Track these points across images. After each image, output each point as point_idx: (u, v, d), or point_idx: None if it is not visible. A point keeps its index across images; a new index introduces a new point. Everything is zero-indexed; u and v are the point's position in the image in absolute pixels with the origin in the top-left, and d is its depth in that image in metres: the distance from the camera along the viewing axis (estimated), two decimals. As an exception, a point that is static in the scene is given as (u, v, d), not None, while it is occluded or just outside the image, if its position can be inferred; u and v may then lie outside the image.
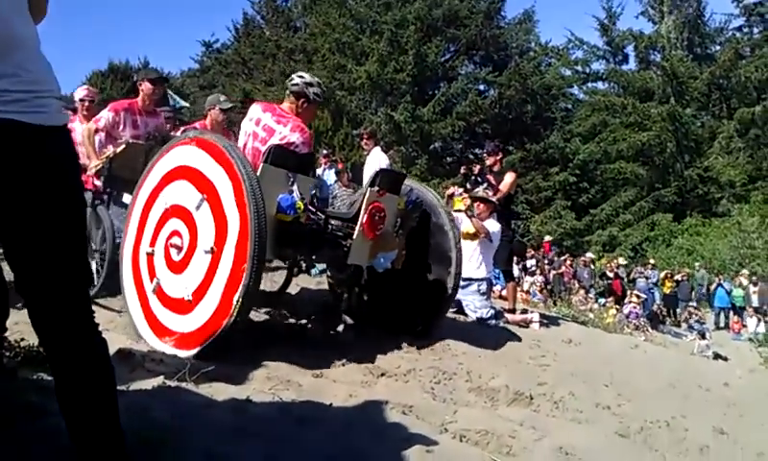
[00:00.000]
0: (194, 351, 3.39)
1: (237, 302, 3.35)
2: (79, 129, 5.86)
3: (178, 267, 3.78)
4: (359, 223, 4.03)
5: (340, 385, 3.19)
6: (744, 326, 16.68)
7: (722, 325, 17.52)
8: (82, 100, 6.10)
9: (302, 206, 3.77)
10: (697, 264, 20.58)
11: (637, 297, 13.89)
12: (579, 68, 30.05)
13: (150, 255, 3.96)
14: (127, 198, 4.72)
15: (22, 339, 2.60)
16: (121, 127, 5.44)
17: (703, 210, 25.57)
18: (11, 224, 1.50)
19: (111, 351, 1.82)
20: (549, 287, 13.72)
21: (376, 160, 7.05)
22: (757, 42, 28.21)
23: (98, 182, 5.40)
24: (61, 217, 1.56)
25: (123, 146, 4.92)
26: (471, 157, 23.62)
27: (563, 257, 16.38)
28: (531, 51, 28.18)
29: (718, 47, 29.17)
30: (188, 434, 2.02)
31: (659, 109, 26.51)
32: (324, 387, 3.09)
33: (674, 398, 4.33)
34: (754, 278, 18.13)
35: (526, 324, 6.01)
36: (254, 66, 28.51)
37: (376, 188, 4.13)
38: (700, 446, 3.35)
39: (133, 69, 31.76)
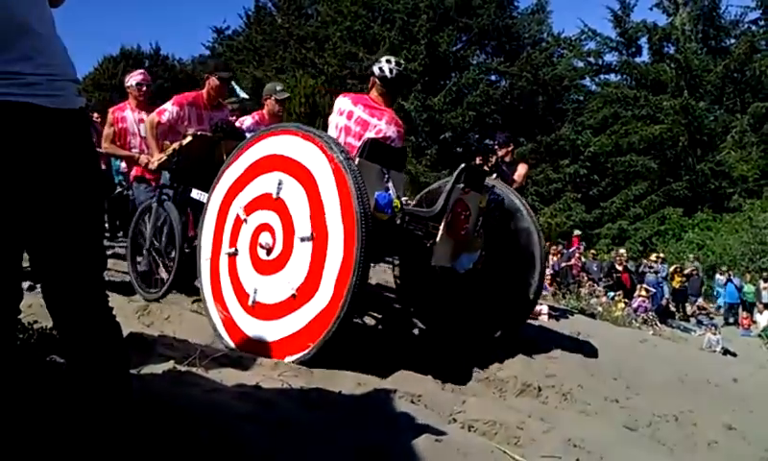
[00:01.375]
0: (310, 349, 3.14)
1: (345, 297, 3.08)
2: (130, 117, 5.69)
3: (272, 266, 3.45)
4: (443, 221, 3.75)
5: (350, 373, 3.20)
6: (754, 322, 16.59)
7: (731, 320, 17.43)
8: (139, 85, 5.78)
9: (399, 205, 3.56)
10: (692, 256, 20.47)
11: (646, 291, 13.84)
12: (591, 60, 29.81)
13: (232, 257, 3.64)
14: (195, 193, 4.57)
15: (35, 322, 2.62)
16: (186, 121, 5.16)
17: (714, 205, 25.39)
18: (26, 207, 1.51)
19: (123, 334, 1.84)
20: (558, 279, 13.70)
21: None
22: (773, 36, 27.89)
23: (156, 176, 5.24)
24: (77, 201, 1.57)
25: (190, 138, 4.67)
26: (479, 147, 23.54)
27: (571, 249, 16.33)
28: (543, 42, 28.03)
29: (733, 40, 28.81)
30: (198, 418, 2.04)
31: (671, 102, 26.28)
32: (334, 375, 3.10)
33: (683, 392, 4.32)
34: (765, 273, 18.02)
35: (535, 316, 6.02)
36: (266, 54, 28.48)
37: (461, 185, 3.83)
38: (708, 441, 3.35)
39: (145, 54, 31.86)
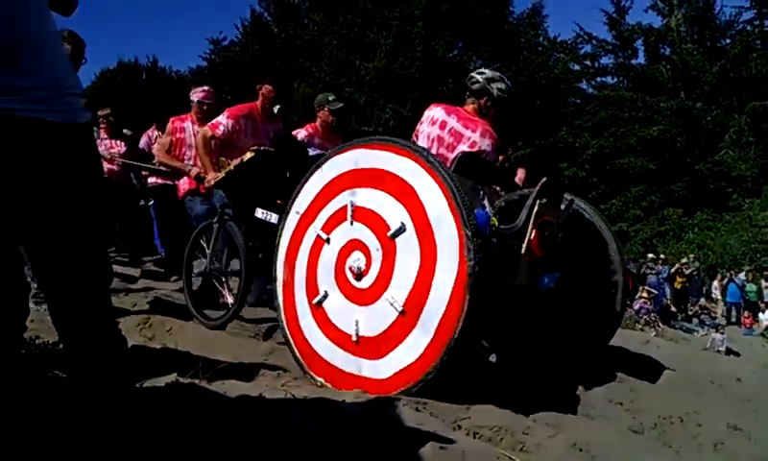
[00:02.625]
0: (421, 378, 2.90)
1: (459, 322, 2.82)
2: (189, 129, 5.57)
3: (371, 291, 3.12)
4: (527, 239, 3.47)
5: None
6: (756, 321, 16.58)
7: (733, 320, 17.42)
8: (200, 102, 5.65)
9: (497, 224, 3.34)
10: (692, 256, 20.49)
11: (648, 292, 13.84)
12: (588, 63, 29.92)
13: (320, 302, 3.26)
14: (260, 213, 4.33)
15: (37, 337, 2.62)
16: (242, 135, 4.92)
17: (713, 205, 25.41)
18: (32, 221, 1.51)
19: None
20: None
21: None
22: (768, 35, 27.99)
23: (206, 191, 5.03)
24: (80, 215, 1.57)
25: (252, 154, 4.38)
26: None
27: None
28: (539, 46, 28.13)
29: (728, 40, 28.90)
30: (201, 431, 2.03)
31: (668, 103, 26.35)
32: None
33: (687, 393, 4.30)
34: (766, 272, 18.02)
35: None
36: (263, 63, 28.51)
37: (545, 200, 3.51)
38: (714, 441, 3.33)
39: (142, 67, 31.91)
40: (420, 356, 2.94)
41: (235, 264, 4.62)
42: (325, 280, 3.27)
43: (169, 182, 7.03)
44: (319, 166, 3.46)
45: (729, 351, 10.40)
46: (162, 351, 3.45)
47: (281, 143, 4.69)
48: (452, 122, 3.81)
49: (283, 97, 5.41)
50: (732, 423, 3.67)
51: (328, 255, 3.29)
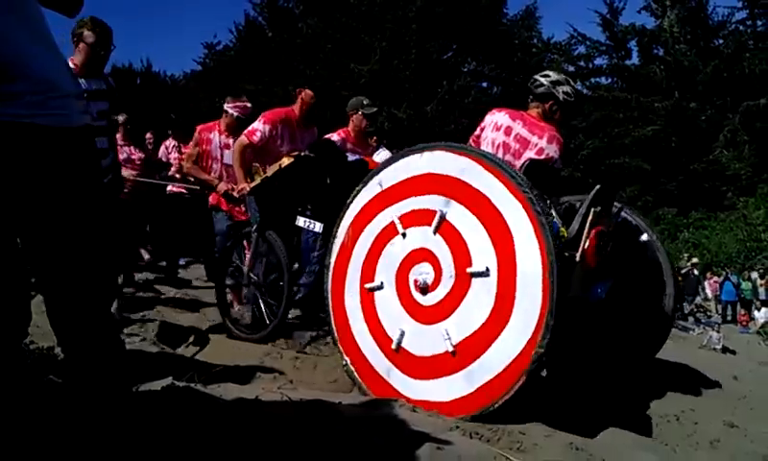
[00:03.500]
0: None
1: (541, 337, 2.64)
2: (216, 140, 5.40)
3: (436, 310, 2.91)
4: (581, 248, 3.32)
5: (347, 383, 3.19)
6: (752, 319, 16.64)
7: (728, 318, 17.47)
8: (238, 118, 5.40)
9: (566, 234, 3.21)
10: (686, 254, 20.57)
11: (644, 291, 13.85)
12: (582, 64, 29.98)
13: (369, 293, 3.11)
14: (302, 221, 4.21)
15: (32, 342, 2.61)
16: (278, 141, 4.75)
17: (708, 204, 25.49)
18: (31, 227, 1.51)
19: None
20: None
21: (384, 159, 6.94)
22: (761, 34, 28.09)
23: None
24: (78, 219, 1.56)
25: (291, 160, 4.20)
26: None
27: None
28: (534, 47, 28.19)
29: (721, 40, 29.01)
30: (197, 434, 2.02)
31: (663, 103, 26.42)
32: (333, 387, 3.10)
33: (683, 391, 4.31)
34: (761, 270, 18.10)
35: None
36: (257, 67, 28.54)
37: (600, 208, 3.34)
38: (710, 439, 3.34)
39: (137, 71, 31.86)
40: (454, 400, 2.82)
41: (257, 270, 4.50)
42: (386, 272, 3.09)
43: (185, 192, 7.02)
44: (422, 151, 3.21)
45: (725, 350, 10.42)
46: (158, 354, 3.45)
47: (320, 148, 4.45)
48: (518, 127, 3.68)
49: (281, 99, 5.36)
50: (728, 420, 3.68)
51: (397, 249, 3.09)
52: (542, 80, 3.87)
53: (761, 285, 17.51)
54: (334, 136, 5.42)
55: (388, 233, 3.15)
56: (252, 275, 4.42)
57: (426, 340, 2.90)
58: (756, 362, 7.17)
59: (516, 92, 25.06)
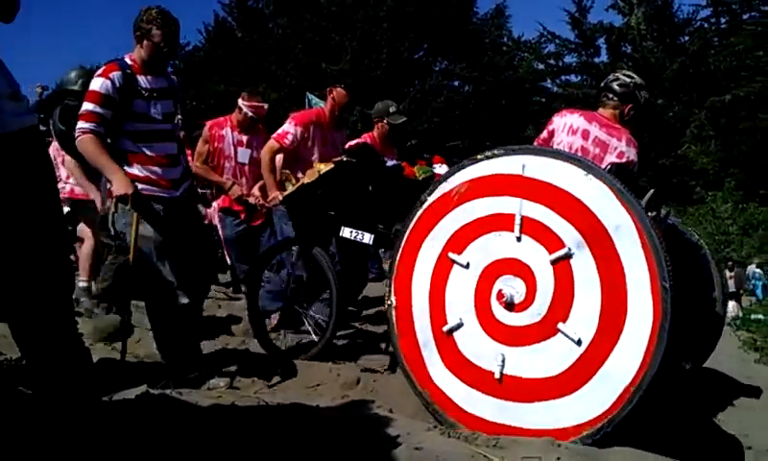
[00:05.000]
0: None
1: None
2: (229, 137, 5.02)
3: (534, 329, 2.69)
4: None
5: (326, 388, 3.18)
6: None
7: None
8: (253, 119, 5.04)
9: None
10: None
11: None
12: (552, 62, 30.26)
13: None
14: (347, 232, 3.87)
15: (0, 353, 2.56)
16: (309, 145, 4.51)
17: (678, 198, 25.94)
18: None
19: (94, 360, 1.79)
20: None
21: None
22: (725, 32, 28.65)
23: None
24: (29, 225, 1.51)
25: (329, 166, 3.92)
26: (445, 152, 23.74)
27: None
28: (504, 46, 28.41)
29: (687, 38, 29.53)
30: (173, 441, 1.99)
31: (631, 99, 26.81)
32: (310, 392, 3.08)
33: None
34: (729, 263, 18.47)
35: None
36: (227, 68, 28.32)
37: (654, 213, 3.24)
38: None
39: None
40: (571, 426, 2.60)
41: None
42: (460, 308, 2.83)
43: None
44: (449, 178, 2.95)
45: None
46: (135, 363, 3.40)
47: (360, 153, 4.17)
48: (595, 130, 3.50)
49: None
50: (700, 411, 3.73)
51: (464, 279, 2.85)
52: (626, 79, 3.65)
53: (730, 278, 17.85)
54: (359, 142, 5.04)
55: (443, 268, 2.90)
56: (294, 289, 4.09)
57: (549, 356, 2.65)
58: (726, 355, 7.28)
59: (487, 91, 25.26)
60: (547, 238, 2.69)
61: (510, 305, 2.72)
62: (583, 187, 2.63)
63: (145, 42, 3.38)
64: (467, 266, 2.81)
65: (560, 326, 2.61)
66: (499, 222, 2.80)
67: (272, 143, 4.51)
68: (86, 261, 5.09)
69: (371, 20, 24.88)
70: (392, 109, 5.17)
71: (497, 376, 2.69)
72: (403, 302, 2.98)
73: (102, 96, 3.20)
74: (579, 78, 30.40)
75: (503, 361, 2.68)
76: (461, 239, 2.87)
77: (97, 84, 3.22)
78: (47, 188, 1.59)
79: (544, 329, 2.64)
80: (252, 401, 2.75)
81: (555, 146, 3.56)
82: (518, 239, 2.73)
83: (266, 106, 5.28)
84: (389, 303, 3.01)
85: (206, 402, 2.65)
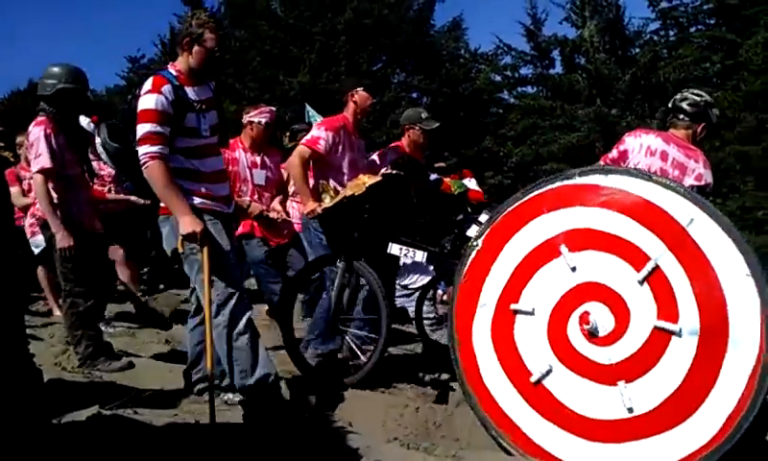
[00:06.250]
0: None
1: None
2: (243, 159, 4.79)
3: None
4: None
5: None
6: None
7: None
8: (267, 125, 4.75)
9: None
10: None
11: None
12: (508, 73, 30.68)
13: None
14: (396, 248, 3.73)
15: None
16: (340, 150, 4.36)
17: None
18: None
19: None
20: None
21: None
22: (673, 44, 29.55)
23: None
24: None
25: (376, 179, 3.76)
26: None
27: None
28: (461, 58, 28.72)
29: (638, 49, 30.31)
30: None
31: (586, 110, 27.34)
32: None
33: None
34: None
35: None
36: (184, 81, 27.94)
37: None
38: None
39: (56, 87, 30.57)
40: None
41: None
42: (541, 356, 2.66)
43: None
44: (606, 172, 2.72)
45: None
46: (87, 384, 3.32)
47: (409, 165, 4.05)
48: (673, 151, 3.46)
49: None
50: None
51: (533, 325, 2.68)
52: (697, 99, 3.60)
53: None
54: (391, 153, 4.98)
55: (506, 320, 2.75)
56: (339, 309, 3.92)
57: (601, 401, 2.52)
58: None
59: (445, 102, 25.42)
60: (625, 251, 2.51)
61: (593, 336, 2.55)
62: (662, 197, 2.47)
63: (196, 48, 3.22)
64: (532, 312, 2.66)
65: (669, 327, 2.44)
66: (545, 250, 2.66)
67: (302, 149, 4.33)
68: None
69: (328, 33, 24.89)
70: (424, 115, 5.02)
71: (595, 416, 2.52)
72: (467, 353, 2.79)
73: (159, 113, 3.03)
74: (535, 89, 30.91)
75: (599, 400, 2.51)
76: (515, 285, 2.72)
77: (150, 101, 3.05)
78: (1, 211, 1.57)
79: (644, 360, 2.47)
80: (207, 419, 2.70)
81: (630, 167, 3.40)
82: (574, 269, 2.56)
83: (274, 108, 5.12)
84: (453, 357, 2.86)
85: (161, 422, 2.60)
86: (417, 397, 3.84)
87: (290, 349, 3.96)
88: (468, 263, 2.90)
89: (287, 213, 4.87)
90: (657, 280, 2.51)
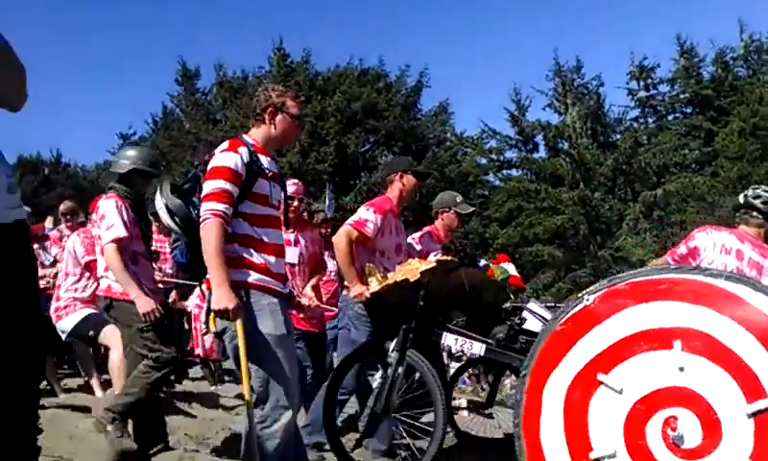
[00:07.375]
0: None
1: None
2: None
3: None
4: None
5: None
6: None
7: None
8: (290, 198, 4.44)
9: None
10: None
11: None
12: (493, 156, 31.38)
13: None
14: (452, 339, 3.50)
15: None
16: (388, 233, 4.23)
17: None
18: None
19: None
20: (476, 372, 13.62)
21: None
22: (653, 131, 30.54)
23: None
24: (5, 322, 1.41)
25: (433, 264, 3.56)
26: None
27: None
28: (447, 141, 29.32)
29: (619, 136, 31.21)
30: None
31: (569, 193, 27.87)
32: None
33: None
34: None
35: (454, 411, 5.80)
36: (173, 158, 28.24)
37: None
38: None
39: (45, 163, 30.81)
40: None
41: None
42: (610, 437, 2.47)
43: None
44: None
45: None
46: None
47: (461, 252, 3.92)
48: (748, 250, 3.35)
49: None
50: None
51: (613, 404, 2.50)
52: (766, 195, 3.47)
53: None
54: (426, 238, 4.86)
55: (587, 387, 2.55)
56: (390, 403, 3.63)
57: None
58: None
59: (431, 184, 25.80)
60: (743, 376, 2.30)
61: (673, 443, 2.35)
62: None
63: (279, 117, 3.15)
64: (620, 392, 2.45)
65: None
66: (657, 337, 2.46)
67: (348, 230, 4.14)
68: (117, 372, 4.31)
69: (318, 115, 25.40)
70: (458, 199, 4.98)
71: None
72: (532, 438, 2.58)
73: (232, 172, 2.88)
74: (520, 172, 31.52)
75: None
76: (611, 356, 2.51)
77: (226, 159, 2.92)
78: (28, 283, 1.50)
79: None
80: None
81: (702, 265, 3.28)
82: (681, 369, 2.36)
83: (300, 184, 5.00)
84: (517, 447, 2.63)
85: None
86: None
87: (331, 439, 3.73)
88: (569, 313, 2.68)
89: (320, 298, 4.64)
90: (766, 422, 2.30)
